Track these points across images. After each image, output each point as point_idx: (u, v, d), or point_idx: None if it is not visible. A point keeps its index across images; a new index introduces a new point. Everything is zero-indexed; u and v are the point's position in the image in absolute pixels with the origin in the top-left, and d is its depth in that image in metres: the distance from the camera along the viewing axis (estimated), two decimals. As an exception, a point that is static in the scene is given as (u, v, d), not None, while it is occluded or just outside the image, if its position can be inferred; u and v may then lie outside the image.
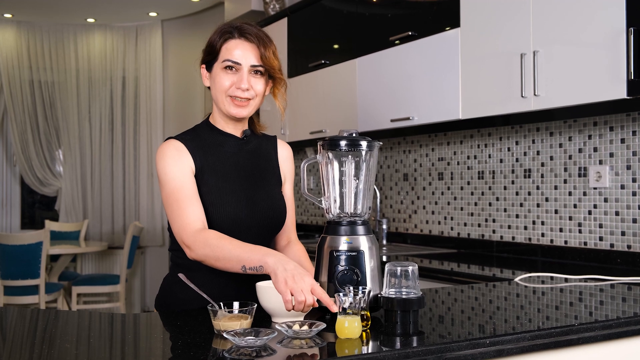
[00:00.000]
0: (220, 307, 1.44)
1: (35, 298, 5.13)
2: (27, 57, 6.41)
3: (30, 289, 5.13)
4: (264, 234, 1.84)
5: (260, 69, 1.77)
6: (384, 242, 3.92)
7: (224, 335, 1.33)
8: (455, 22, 2.99)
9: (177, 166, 1.74)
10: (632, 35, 2.25)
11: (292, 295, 1.44)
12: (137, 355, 1.34)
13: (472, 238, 3.42)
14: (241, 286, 1.77)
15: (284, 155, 1.96)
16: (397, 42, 3.34)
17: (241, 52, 1.74)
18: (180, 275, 1.60)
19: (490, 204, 3.33)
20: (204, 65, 1.84)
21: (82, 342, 1.41)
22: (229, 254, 1.60)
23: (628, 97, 2.28)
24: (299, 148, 4.50)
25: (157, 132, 6.62)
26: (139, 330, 1.57)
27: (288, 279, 1.45)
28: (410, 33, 3.24)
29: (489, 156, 3.33)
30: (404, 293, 1.53)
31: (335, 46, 3.91)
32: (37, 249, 5.07)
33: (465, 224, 3.47)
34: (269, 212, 1.83)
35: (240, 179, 1.82)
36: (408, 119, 3.25)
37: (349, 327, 1.38)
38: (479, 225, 3.39)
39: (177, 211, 1.71)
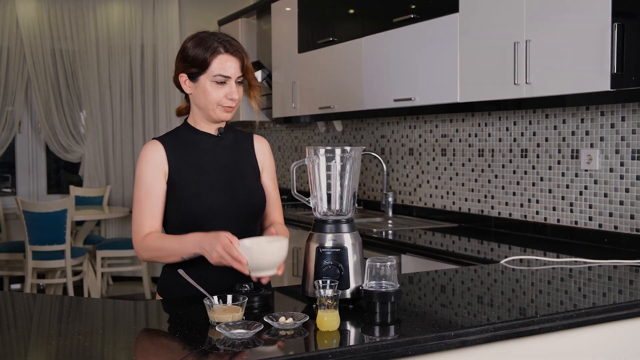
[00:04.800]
0: (215, 301, 1.62)
1: (61, 262, 5.40)
2: (48, 27, 6.56)
3: (57, 254, 5.40)
4: (244, 221, 2.02)
5: (241, 78, 1.99)
6: (390, 214, 4.08)
7: (216, 328, 1.51)
8: (454, 7, 3.07)
9: (150, 172, 1.96)
10: (615, 31, 2.33)
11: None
12: (138, 344, 1.53)
13: (472, 213, 3.56)
14: (236, 277, 1.94)
15: (260, 147, 2.14)
16: (401, 23, 3.42)
17: (230, 66, 1.95)
18: (180, 271, 1.78)
19: (489, 181, 3.45)
20: (183, 74, 1.98)
21: (87, 334, 1.60)
22: (166, 253, 1.91)
23: (611, 90, 2.38)
24: (309, 122, 4.64)
25: (175, 98, 6.77)
26: (140, 319, 1.76)
27: (212, 256, 1.78)
28: (412, 16, 3.33)
29: (489, 135, 3.44)
30: (383, 286, 1.70)
31: (343, 24, 4.00)
32: (62, 216, 5.32)
33: (466, 199, 3.61)
34: (248, 200, 2.02)
35: (217, 172, 2.01)
36: (410, 99, 3.36)
37: (328, 320, 1.55)
38: (479, 201, 3.52)
39: (137, 215, 1.97)
